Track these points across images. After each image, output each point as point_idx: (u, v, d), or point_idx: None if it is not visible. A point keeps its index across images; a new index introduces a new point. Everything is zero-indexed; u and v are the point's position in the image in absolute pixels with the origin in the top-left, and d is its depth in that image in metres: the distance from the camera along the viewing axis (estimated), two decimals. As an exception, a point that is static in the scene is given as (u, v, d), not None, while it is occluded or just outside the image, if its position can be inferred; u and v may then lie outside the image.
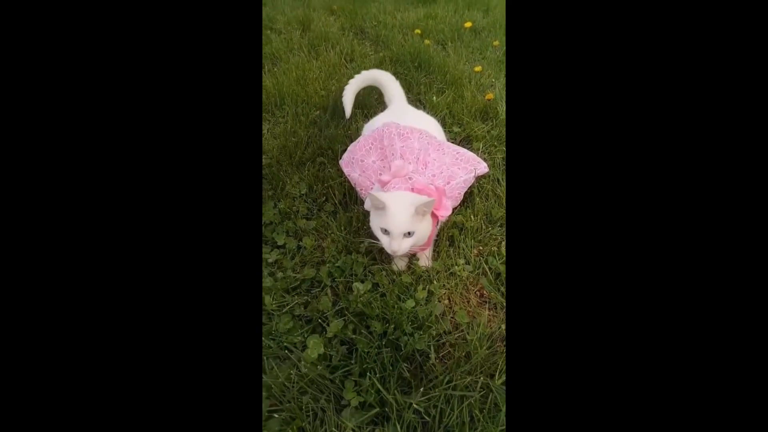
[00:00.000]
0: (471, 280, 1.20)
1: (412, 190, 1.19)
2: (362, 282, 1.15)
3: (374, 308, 1.06)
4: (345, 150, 1.48)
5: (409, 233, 1.08)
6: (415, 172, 1.30)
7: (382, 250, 1.26)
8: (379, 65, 2.27)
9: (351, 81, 1.68)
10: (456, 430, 0.87)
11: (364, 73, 1.69)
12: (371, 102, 1.95)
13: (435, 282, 1.17)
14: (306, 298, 1.13)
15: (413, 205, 1.06)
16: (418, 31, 2.66)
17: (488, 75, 2.15)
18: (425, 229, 1.12)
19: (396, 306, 1.07)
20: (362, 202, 1.41)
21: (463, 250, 1.26)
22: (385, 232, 1.09)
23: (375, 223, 1.13)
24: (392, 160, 1.33)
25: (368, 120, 1.65)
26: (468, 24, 2.70)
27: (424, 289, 1.14)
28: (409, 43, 2.47)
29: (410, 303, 1.08)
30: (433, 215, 1.18)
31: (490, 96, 1.85)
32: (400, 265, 1.24)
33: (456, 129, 1.76)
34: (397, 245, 1.07)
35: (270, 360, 0.99)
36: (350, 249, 1.27)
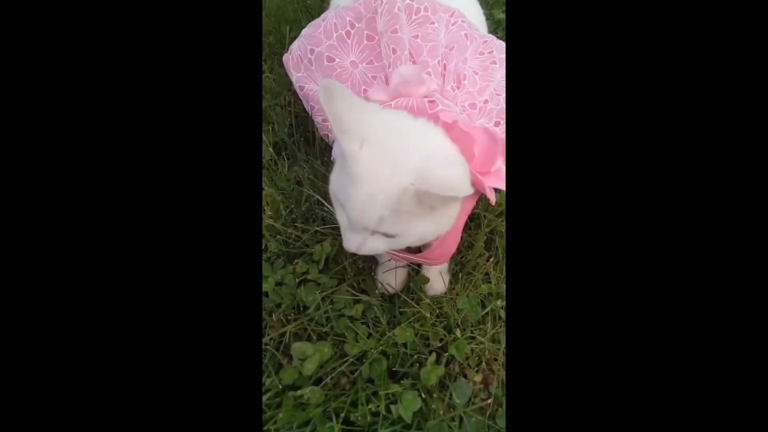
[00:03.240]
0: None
1: (436, 122, 0.52)
2: (312, 342, 0.55)
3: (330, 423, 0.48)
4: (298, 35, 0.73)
5: (386, 234, 0.46)
6: (440, 93, 0.62)
7: (360, 259, 0.64)
8: None
9: None
10: None
11: None
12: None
13: (458, 333, 0.59)
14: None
15: (414, 183, 0.43)
16: None
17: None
18: (432, 231, 0.50)
19: (375, 411, 0.50)
20: (328, 151, 0.73)
21: (512, 261, 0.66)
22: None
23: (334, 182, 0.49)
24: (395, 63, 0.62)
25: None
26: None
27: (437, 360, 0.56)
28: None
29: (409, 402, 0.51)
30: (476, 195, 0.54)
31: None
32: (392, 285, 0.64)
33: (499, 15, 1.01)
34: (354, 243, 0.48)
35: None
36: (293, 251, 0.64)
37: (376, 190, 0.43)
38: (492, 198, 0.51)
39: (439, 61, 0.66)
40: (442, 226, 0.49)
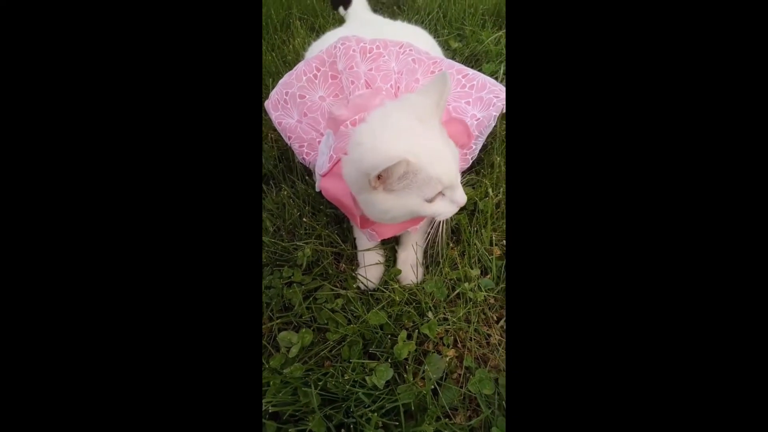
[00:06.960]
0: (491, 301, 0.69)
1: None
2: (296, 330, 0.63)
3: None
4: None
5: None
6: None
7: (341, 258, 0.73)
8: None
9: None
10: None
11: None
12: (328, 12, 1.31)
13: (430, 315, 0.66)
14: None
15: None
16: None
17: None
18: None
19: (344, 385, 0.56)
20: (308, 173, 0.85)
21: (477, 250, 0.73)
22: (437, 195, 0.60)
23: (406, 200, 0.59)
24: (353, 92, 0.75)
25: (317, 37, 1.04)
26: None
27: (409, 337, 0.62)
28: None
29: (381, 372, 0.57)
30: None
31: (506, -11, 1.20)
32: (371, 277, 0.71)
33: (454, 44, 1.15)
34: (462, 194, 0.62)
35: None
36: (280, 260, 0.73)
37: (449, 151, 0.60)
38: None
39: (392, 85, 0.78)
40: None
